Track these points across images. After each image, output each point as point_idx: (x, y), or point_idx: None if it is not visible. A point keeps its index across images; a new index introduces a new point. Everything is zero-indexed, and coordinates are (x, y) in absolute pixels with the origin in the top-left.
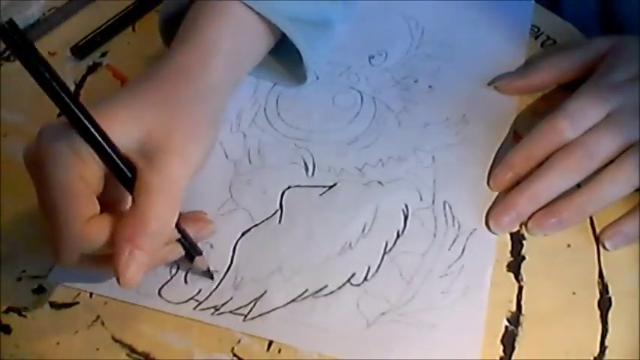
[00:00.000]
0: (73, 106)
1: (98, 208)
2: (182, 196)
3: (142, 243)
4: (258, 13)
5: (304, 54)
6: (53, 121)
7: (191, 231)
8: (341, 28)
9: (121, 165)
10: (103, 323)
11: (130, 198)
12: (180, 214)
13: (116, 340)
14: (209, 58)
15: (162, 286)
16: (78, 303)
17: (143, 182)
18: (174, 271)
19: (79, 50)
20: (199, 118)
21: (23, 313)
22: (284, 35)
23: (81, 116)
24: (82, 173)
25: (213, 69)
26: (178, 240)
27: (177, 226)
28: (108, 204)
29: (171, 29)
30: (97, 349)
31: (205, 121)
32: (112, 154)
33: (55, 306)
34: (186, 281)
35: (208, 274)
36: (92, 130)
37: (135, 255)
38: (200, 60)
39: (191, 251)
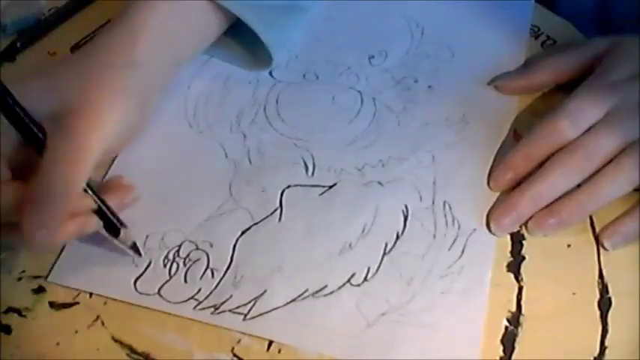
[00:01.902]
0: None
1: (7, 174)
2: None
3: (44, 204)
4: None
5: (263, 36)
6: None
7: (112, 200)
8: (341, 28)
9: (32, 127)
10: (103, 323)
11: None
12: (101, 184)
13: (116, 340)
14: (133, 35)
15: (162, 285)
16: (78, 303)
17: (50, 144)
18: (174, 270)
19: None
20: (117, 87)
21: (23, 313)
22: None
23: None
24: None
25: (137, 45)
26: (95, 211)
27: (96, 195)
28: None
29: None
30: (97, 349)
31: (123, 91)
32: (21, 117)
33: (55, 306)
34: (185, 280)
35: (135, 250)
36: (2, 95)
37: (39, 217)
38: (123, 37)
39: (113, 223)
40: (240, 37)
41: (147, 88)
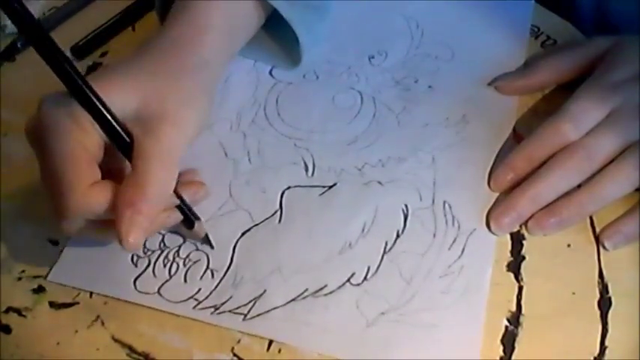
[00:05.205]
0: (72, 74)
1: (99, 174)
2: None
3: (142, 207)
4: None
5: (300, 35)
6: (53, 92)
7: (187, 195)
8: (341, 28)
9: (120, 131)
10: (103, 323)
11: (129, 165)
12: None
13: (116, 340)
14: (201, 34)
15: (162, 285)
16: (78, 303)
17: (141, 149)
18: (173, 270)
19: (79, 50)
20: (193, 87)
21: (23, 313)
22: (275, 17)
23: (80, 84)
24: (82, 140)
25: (205, 44)
26: (177, 206)
27: (175, 192)
28: (110, 173)
29: (168, 8)
30: (97, 349)
31: (199, 91)
32: (111, 121)
33: (55, 306)
34: (185, 280)
35: (207, 241)
36: (91, 97)
37: (136, 219)
38: (193, 36)
39: (190, 217)
40: (265, 34)
41: (215, 85)
